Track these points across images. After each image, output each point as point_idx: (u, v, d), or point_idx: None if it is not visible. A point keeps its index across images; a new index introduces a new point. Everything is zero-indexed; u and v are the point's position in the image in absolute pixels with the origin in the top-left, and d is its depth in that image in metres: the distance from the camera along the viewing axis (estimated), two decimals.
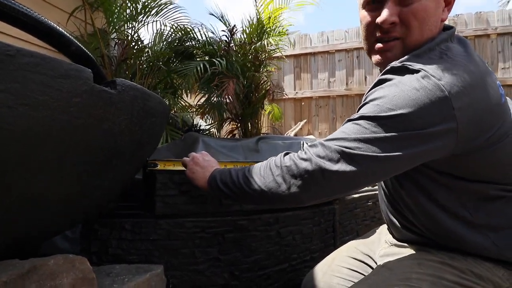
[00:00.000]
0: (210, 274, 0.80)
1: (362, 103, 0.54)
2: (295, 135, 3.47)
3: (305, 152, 0.54)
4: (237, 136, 2.35)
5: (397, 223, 0.64)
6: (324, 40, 3.87)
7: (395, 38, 0.55)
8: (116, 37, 1.94)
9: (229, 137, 2.32)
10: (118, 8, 1.87)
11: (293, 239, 0.94)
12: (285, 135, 3.09)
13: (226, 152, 1.65)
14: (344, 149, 0.49)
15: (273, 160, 0.59)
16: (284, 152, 0.60)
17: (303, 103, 3.97)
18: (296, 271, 0.96)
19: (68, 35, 0.67)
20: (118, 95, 0.54)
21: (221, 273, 0.81)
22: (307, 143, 1.75)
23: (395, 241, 0.66)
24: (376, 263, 0.68)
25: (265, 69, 2.28)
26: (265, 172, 0.58)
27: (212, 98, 2.13)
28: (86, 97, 0.47)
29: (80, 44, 0.69)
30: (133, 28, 1.94)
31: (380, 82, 0.52)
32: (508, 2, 4.20)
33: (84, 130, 0.49)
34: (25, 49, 0.37)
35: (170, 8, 2.06)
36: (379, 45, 0.57)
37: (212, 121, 2.34)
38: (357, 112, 0.53)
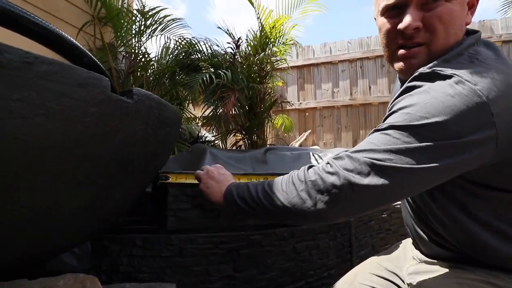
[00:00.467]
0: None
1: (389, 112, 0.51)
2: (300, 145, 3.44)
3: (330, 165, 0.51)
4: (242, 147, 2.33)
5: (425, 237, 0.60)
6: (327, 51, 3.90)
7: (419, 44, 0.53)
8: (123, 50, 1.96)
9: (234, 149, 2.30)
10: (126, 23, 1.89)
11: (309, 254, 0.90)
12: (289, 146, 3.07)
13: (234, 164, 1.62)
14: (375, 161, 0.46)
15: (295, 173, 0.56)
16: (308, 166, 0.57)
17: (307, 114, 3.96)
18: None
19: (81, 46, 0.65)
20: (134, 105, 0.52)
21: None
22: (318, 155, 1.71)
23: (424, 257, 0.62)
24: (403, 281, 0.64)
25: (270, 80, 2.28)
26: (288, 187, 0.55)
27: (218, 110, 2.12)
28: (103, 107, 0.45)
29: (92, 56, 0.67)
30: (140, 42, 1.96)
31: (408, 90, 0.50)
32: None
33: (99, 140, 0.47)
34: (44, 56, 0.35)
35: (176, 25, 2.09)
36: (402, 51, 0.55)
37: (217, 133, 2.32)
38: (384, 121, 0.50)
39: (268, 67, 2.21)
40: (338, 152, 0.56)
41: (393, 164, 0.45)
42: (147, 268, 0.74)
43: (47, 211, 0.48)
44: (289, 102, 2.65)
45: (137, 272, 0.74)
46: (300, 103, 3.95)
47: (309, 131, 3.88)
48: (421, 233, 0.61)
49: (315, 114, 3.94)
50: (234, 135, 2.29)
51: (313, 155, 1.86)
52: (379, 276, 0.67)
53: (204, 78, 1.89)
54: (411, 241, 0.69)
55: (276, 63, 2.38)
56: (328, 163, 0.52)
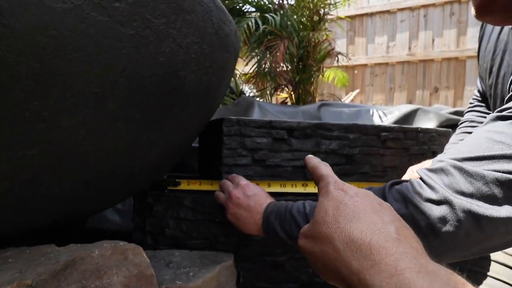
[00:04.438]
0: (291, 269, 0.61)
1: None
2: None
3: (431, 187, 0.32)
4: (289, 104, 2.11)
5: None
6: None
7: None
8: None
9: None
10: None
11: None
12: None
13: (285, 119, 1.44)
14: None
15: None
16: (389, 183, 0.37)
17: (355, 71, 3.55)
18: None
19: None
20: (189, 0, 0.34)
21: (304, 267, 0.62)
22: (383, 112, 1.46)
23: None
24: None
25: (324, 27, 1.96)
26: None
27: (265, 62, 1.89)
28: None
29: None
30: None
31: None
32: None
33: (135, 47, 0.30)
34: None
35: None
36: None
37: (261, 88, 2.11)
38: (507, 103, 0.32)
39: (324, 11, 1.89)
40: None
41: None
42: (197, 234, 0.61)
43: (70, 151, 0.33)
44: (345, 55, 2.31)
45: (186, 238, 0.61)
46: (349, 59, 3.54)
47: (357, 90, 3.51)
48: None
49: (365, 71, 3.53)
50: (280, 91, 2.07)
51: (377, 111, 1.61)
52: None
53: (250, 23, 1.65)
54: None
55: (330, 8, 2.02)
56: (424, 181, 0.33)
